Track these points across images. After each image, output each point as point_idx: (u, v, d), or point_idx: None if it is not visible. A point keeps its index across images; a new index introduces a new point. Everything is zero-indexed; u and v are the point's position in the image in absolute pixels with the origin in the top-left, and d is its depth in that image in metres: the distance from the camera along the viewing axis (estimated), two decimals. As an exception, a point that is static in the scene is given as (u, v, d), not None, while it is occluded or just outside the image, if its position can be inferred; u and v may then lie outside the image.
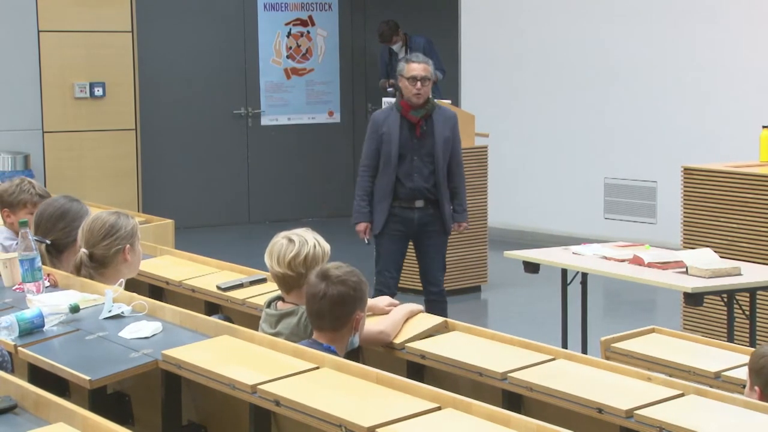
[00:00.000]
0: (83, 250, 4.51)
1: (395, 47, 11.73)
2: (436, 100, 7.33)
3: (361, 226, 7.08)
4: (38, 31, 11.04)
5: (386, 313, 4.24)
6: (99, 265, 4.50)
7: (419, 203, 7.03)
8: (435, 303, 7.16)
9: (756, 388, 3.56)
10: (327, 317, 3.88)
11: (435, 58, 11.54)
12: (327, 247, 4.21)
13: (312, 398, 3.25)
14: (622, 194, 10.80)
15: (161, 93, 12.04)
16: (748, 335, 6.08)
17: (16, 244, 5.04)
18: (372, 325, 4.12)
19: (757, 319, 6.16)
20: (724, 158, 8.59)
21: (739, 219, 7.14)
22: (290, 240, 4.14)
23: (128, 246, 4.52)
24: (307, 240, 4.15)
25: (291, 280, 4.12)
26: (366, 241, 7.15)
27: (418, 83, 6.96)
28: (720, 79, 10.03)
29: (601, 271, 6.24)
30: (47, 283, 4.51)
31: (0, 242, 5.26)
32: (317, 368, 3.53)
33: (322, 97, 12.87)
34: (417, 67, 7.02)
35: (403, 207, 7.03)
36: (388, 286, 7.12)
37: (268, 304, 4.21)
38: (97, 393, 3.67)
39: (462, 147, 7.74)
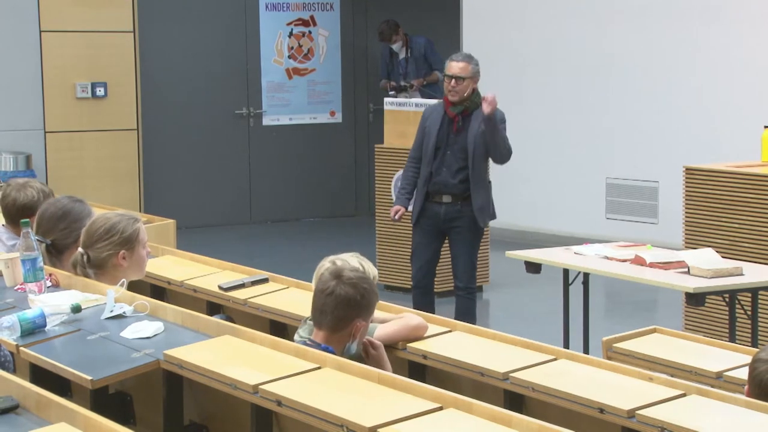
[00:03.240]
0: (80, 249, 4.50)
1: (395, 47, 11.72)
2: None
3: (393, 209, 7.38)
4: (40, 31, 11.04)
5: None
6: (95, 267, 4.49)
7: (446, 198, 7.24)
8: (460, 299, 7.41)
9: (746, 386, 3.57)
10: (329, 315, 3.88)
11: (436, 58, 11.57)
12: (376, 275, 4.22)
13: (313, 398, 3.25)
14: (623, 194, 10.80)
15: (163, 93, 12.04)
16: (749, 335, 6.08)
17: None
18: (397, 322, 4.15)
19: (759, 319, 6.16)
20: (725, 158, 8.58)
21: (741, 219, 7.14)
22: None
23: (123, 252, 4.47)
24: (363, 270, 4.16)
25: None
26: (394, 219, 7.40)
27: (453, 81, 7.23)
28: (722, 79, 10.03)
29: (603, 271, 6.24)
30: (49, 283, 4.51)
31: (3, 242, 5.26)
32: (319, 368, 3.53)
33: (323, 97, 12.87)
34: (454, 66, 7.30)
35: (433, 201, 7.26)
36: (417, 278, 7.37)
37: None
38: (98, 393, 3.67)
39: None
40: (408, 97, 11.26)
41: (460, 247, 7.29)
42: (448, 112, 7.25)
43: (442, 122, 7.24)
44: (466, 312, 7.23)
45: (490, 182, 7.42)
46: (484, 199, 7.24)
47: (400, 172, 7.43)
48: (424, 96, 11.23)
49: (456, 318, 4.74)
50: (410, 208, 7.42)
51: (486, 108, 7.04)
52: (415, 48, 11.66)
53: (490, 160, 7.42)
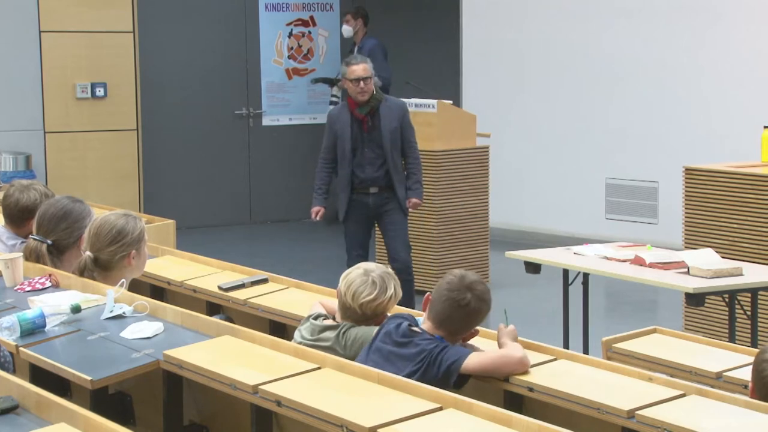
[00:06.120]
0: (88, 253, 4.50)
1: (344, 29, 11.83)
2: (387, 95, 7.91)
3: (314, 210, 7.78)
4: (40, 32, 11.04)
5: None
6: (103, 269, 4.50)
7: (373, 189, 7.69)
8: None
9: (749, 386, 3.57)
10: (458, 323, 3.93)
11: (378, 63, 11.69)
12: (400, 294, 4.25)
13: (313, 398, 3.26)
14: (623, 194, 10.80)
15: (163, 93, 12.04)
16: (749, 335, 6.08)
17: (21, 243, 5.05)
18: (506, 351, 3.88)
19: (759, 319, 6.16)
20: (725, 158, 8.59)
21: (741, 219, 7.14)
22: (373, 282, 4.16)
23: (134, 251, 4.50)
24: (387, 288, 4.18)
25: (353, 313, 4.16)
26: (315, 220, 7.89)
27: (361, 83, 7.56)
28: (721, 79, 10.03)
29: (603, 271, 6.23)
30: (49, 283, 4.51)
31: (3, 242, 5.26)
32: (318, 368, 3.53)
33: (323, 98, 12.85)
34: (357, 68, 7.61)
35: (360, 194, 7.70)
36: (357, 262, 7.46)
37: (316, 317, 4.24)
38: (98, 393, 3.67)
39: (463, 147, 7.88)
40: (338, 91, 11.63)
41: (393, 228, 7.74)
42: (355, 113, 7.63)
43: (351, 124, 7.60)
44: (406, 294, 7.29)
45: (405, 173, 7.80)
46: (403, 189, 7.69)
47: (318, 181, 7.87)
48: None
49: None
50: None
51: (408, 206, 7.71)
52: (363, 48, 11.79)
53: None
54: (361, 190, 7.67)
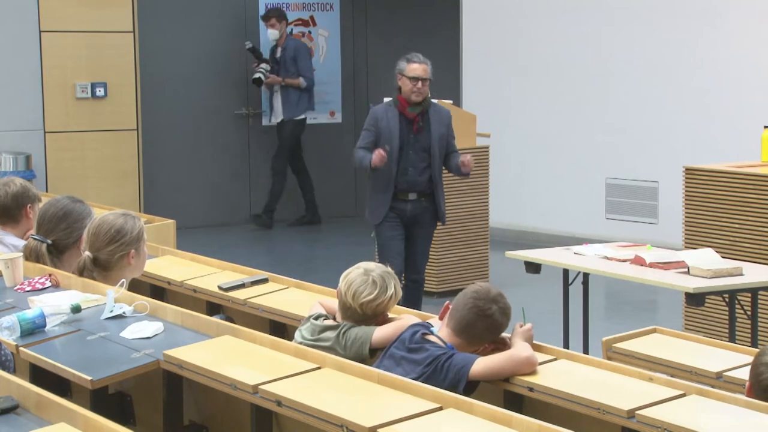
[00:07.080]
0: (87, 253, 4.50)
1: (269, 32, 12.04)
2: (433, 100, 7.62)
3: (375, 156, 7.09)
4: (40, 31, 11.03)
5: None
6: (102, 269, 4.50)
7: (413, 195, 7.39)
8: (413, 290, 7.50)
9: (746, 385, 3.57)
10: (479, 332, 3.93)
11: (304, 65, 12.09)
12: (400, 294, 4.25)
13: (313, 398, 3.26)
14: (623, 194, 10.80)
15: (163, 93, 12.04)
16: (749, 335, 6.08)
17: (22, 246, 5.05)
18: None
19: (759, 319, 6.16)
20: (725, 158, 8.59)
21: (741, 219, 7.14)
22: (373, 281, 4.16)
23: (133, 251, 4.50)
24: (387, 288, 4.17)
25: (353, 313, 4.16)
26: (386, 150, 7.15)
27: (419, 83, 7.26)
28: (722, 79, 10.03)
29: (603, 271, 6.24)
30: (49, 283, 4.51)
31: (4, 243, 5.26)
32: (318, 368, 3.53)
33: (323, 98, 12.85)
34: (418, 68, 7.32)
35: (399, 199, 7.36)
36: (399, 272, 7.38)
37: (316, 317, 4.24)
38: (98, 393, 3.67)
39: (463, 147, 7.81)
40: (265, 70, 11.93)
41: (423, 242, 7.50)
42: (406, 113, 7.29)
43: (400, 123, 7.28)
44: (416, 302, 7.36)
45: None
46: (443, 198, 7.47)
47: (361, 153, 7.29)
48: (284, 92, 11.94)
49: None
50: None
51: (465, 170, 7.32)
52: (288, 49, 11.92)
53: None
54: (401, 195, 7.35)
